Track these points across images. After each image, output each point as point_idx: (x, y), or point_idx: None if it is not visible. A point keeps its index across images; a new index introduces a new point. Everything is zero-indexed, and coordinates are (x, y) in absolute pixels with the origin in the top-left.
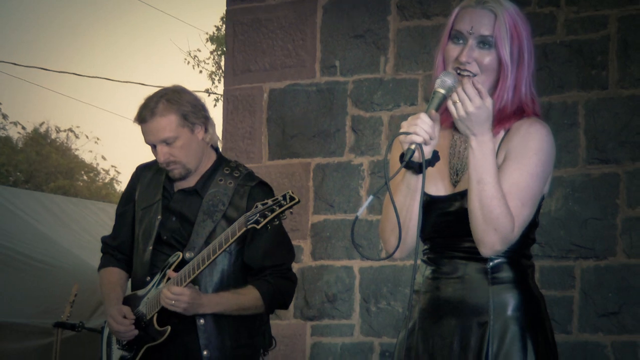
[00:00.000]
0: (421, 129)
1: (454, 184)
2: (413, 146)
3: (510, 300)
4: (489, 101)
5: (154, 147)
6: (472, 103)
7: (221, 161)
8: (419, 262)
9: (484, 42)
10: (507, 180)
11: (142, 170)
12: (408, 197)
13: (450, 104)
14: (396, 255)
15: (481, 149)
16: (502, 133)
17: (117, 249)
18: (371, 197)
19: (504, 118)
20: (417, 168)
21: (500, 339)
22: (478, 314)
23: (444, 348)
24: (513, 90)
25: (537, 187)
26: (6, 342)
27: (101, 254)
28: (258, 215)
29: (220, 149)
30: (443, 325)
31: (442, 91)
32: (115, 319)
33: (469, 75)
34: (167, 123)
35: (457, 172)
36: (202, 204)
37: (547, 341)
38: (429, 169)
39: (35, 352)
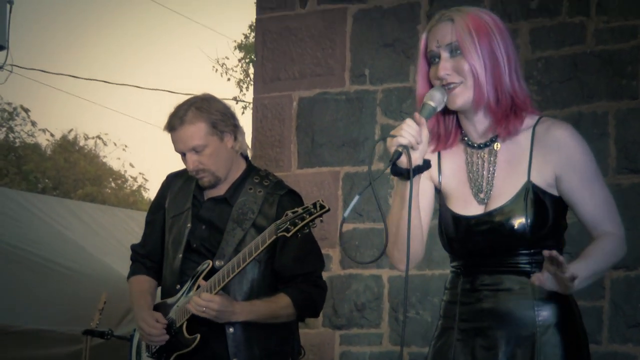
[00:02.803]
0: (406, 132)
1: (481, 202)
2: (400, 149)
3: (553, 312)
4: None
5: (183, 155)
6: (572, 286)
7: (251, 170)
8: (443, 271)
9: (453, 50)
10: (592, 203)
11: (173, 179)
12: (403, 209)
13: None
14: (401, 267)
15: (579, 283)
16: (523, 136)
17: (146, 257)
18: (357, 197)
19: (502, 116)
20: (406, 175)
21: (547, 350)
22: (524, 326)
23: (489, 359)
24: (493, 86)
25: (605, 185)
26: (35, 349)
27: (130, 262)
28: (288, 223)
29: (250, 157)
30: (487, 336)
31: (432, 104)
32: (148, 323)
33: (456, 86)
34: (196, 131)
35: (482, 190)
36: (232, 213)
37: (587, 354)
38: (450, 188)
39: (64, 359)
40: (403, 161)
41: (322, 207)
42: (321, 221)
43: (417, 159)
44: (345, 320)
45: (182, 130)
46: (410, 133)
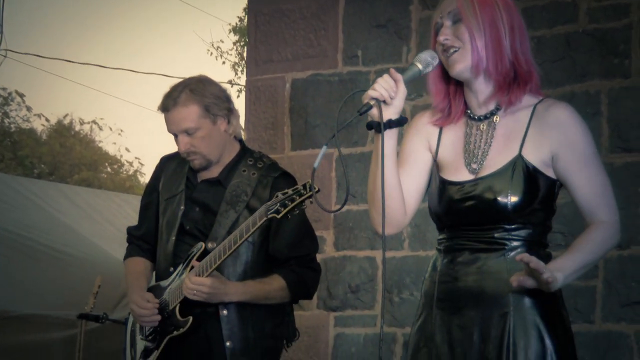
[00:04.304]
0: (380, 85)
1: (472, 172)
2: (372, 102)
3: (529, 291)
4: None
5: (175, 137)
6: (554, 285)
7: (245, 152)
8: (434, 252)
9: (454, 18)
10: (588, 185)
11: (166, 161)
12: (378, 164)
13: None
14: (378, 226)
15: (566, 278)
16: (523, 113)
17: (141, 239)
18: (324, 147)
19: (503, 83)
20: (378, 128)
21: (520, 329)
22: (498, 305)
23: (464, 339)
24: (492, 52)
25: (603, 169)
26: (30, 334)
27: (127, 245)
28: (278, 204)
29: (244, 140)
30: (463, 315)
31: (419, 65)
32: (138, 304)
33: (455, 51)
34: (189, 113)
35: (476, 161)
36: (225, 194)
37: (565, 330)
38: (445, 158)
39: (59, 344)
40: (375, 114)
41: (311, 187)
42: (311, 202)
43: (391, 114)
44: (340, 302)
45: (175, 112)
46: (384, 87)
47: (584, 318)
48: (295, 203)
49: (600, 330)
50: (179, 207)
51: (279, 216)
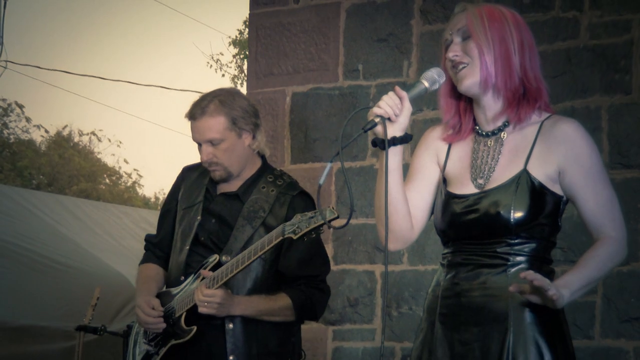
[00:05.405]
0: (385, 103)
1: (478, 186)
2: (377, 119)
3: (529, 307)
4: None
5: (199, 146)
6: (560, 302)
7: (266, 168)
8: (436, 267)
9: (464, 34)
10: (594, 201)
11: (187, 171)
12: (382, 180)
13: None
14: (390, 247)
15: (572, 294)
16: (531, 129)
17: (157, 246)
18: (329, 164)
19: (512, 99)
20: (382, 145)
21: (519, 345)
22: (498, 321)
23: (465, 354)
24: (501, 67)
25: (610, 185)
26: (29, 345)
27: (144, 251)
28: (296, 226)
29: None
30: (465, 331)
31: (425, 83)
32: (143, 309)
33: (464, 67)
34: (215, 124)
35: (482, 176)
36: (243, 209)
37: (565, 347)
38: (452, 172)
39: (57, 355)
40: (380, 131)
41: (332, 213)
42: (329, 227)
43: (395, 131)
44: (339, 315)
45: (202, 121)
46: (389, 104)
47: (583, 334)
48: (312, 227)
49: (600, 346)
50: (196, 217)
51: (295, 237)
